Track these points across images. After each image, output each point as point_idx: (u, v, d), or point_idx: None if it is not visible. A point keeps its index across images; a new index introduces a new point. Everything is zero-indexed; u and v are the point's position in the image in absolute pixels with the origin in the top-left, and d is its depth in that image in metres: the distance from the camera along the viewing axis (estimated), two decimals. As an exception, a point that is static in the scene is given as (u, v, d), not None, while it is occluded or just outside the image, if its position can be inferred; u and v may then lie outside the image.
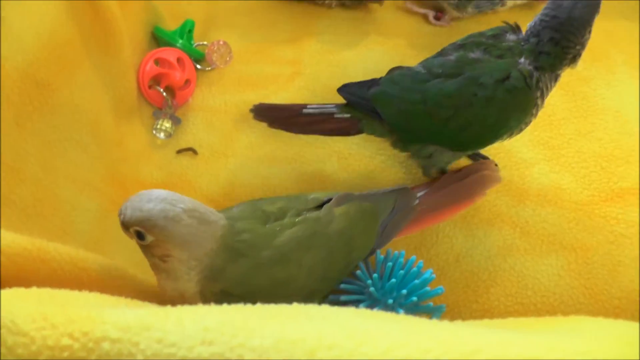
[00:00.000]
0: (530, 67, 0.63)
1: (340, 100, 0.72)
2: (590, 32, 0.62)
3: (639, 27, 0.90)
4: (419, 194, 0.68)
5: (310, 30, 0.91)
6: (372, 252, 0.63)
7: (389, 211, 0.64)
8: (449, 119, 0.65)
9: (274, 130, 0.77)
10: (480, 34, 0.67)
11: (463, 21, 0.92)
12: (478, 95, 0.63)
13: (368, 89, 0.68)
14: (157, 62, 0.83)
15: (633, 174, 0.77)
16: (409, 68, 0.69)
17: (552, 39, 0.62)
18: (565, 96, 0.84)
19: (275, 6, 0.95)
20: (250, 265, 0.53)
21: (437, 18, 0.92)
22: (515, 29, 0.67)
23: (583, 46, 0.63)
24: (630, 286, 0.70)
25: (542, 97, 0.65)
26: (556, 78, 0.65)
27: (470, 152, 0.74)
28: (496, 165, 0.73)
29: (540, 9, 0.65)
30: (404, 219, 0.65)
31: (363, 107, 0.69)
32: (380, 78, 0.69)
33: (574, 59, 0.64)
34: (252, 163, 0.78)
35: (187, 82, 0.84)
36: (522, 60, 0.63)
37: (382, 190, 0.66)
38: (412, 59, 0.86)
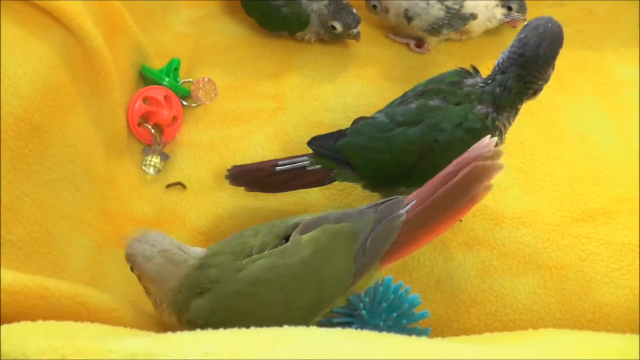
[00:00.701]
0: (486, 110, 0.67)
1: (321, 130, 0.76)
2: (553, 67, 0.67)
3: (602, 56, 0.96)
4: (407, 204, 0.59)
5: (291, 65, 0.95)
6: (361, 273, 0.60)
7: (370, 227, 0.59)
8: (414, 164, 0.68)
9: (253, 160, 0.81)
10: (440, 80, 0.70)
11: (438, 54, 0.97)
12: (439, 140, 0.66)
13: (336, 140, 0.71)
14: (145, 100, 0.86)
15: (601, 195, 0.81)
16: (372, 118, 0.71)
17: (518, 76, 0.66)
18: (536, 123, 0.88)
19: (258, 42, 0.99)
20: (212, 299, 0.56)
21: (417, 46, 0.97)
22: (474, 72, 0.71)
23: (546, 81, 0.67)
24: (602, 301, 0.74)
25: (502, 134, 0.69)
26: (516, 112, 0.69)
27: None
28: (496, 145, 0.61)
29: (508, 35, 0.69)
30: (388, 232, 0.58)
31: (333, 158, 0.71)
32: (346, 129, 0.72)
33: (535, 92, 0.68)
34: (239, 196, 0.81)
35: (175, 119, 0.87)
36: (478, 104, 0.67)
37: (364, 206, 0.62)
38: (389, 90, 0.91)
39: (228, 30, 1.01)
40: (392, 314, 0.61)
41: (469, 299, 0.74)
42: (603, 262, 0.76)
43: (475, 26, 0.95)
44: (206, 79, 0.91)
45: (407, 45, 0.98)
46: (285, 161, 0.73)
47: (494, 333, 0.66)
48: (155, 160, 0.84)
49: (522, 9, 0.99)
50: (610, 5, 1.05)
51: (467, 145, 0.63)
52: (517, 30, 0.67)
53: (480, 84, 0.68)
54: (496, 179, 0.57)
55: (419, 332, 0.65)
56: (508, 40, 0.68)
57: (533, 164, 0.84)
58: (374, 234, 0.59)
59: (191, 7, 1.06)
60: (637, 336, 0.50)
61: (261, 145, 0.86)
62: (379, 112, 0.72)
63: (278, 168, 0.73)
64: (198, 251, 0.60)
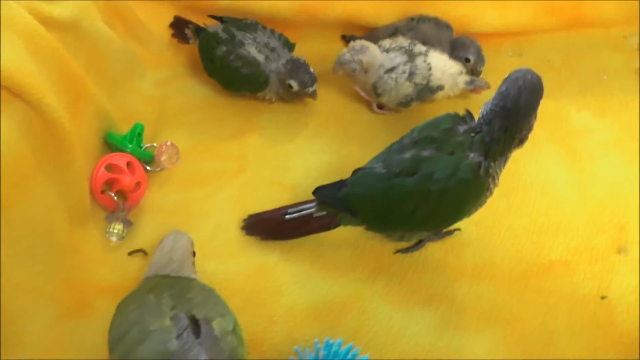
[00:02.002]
0: (480, 159, 0.68)
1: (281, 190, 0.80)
2: (536, 116, 0.68)
3: (560, 104, 0.98)
4: None
5: (253, 125, 0.97)
6: None
7: None
8: (411, 212, 0.71)
9: (217, 225, 0.83)
10: (434, 127, 0.72)
11: (399, 113, 0.98)
12: (433, 190, 0.68)
13: (338, 190, 0.74)
14: (109, 167, 0.88)
15: (561, 246, 0.82)
16: (370, 168, 0.74)
17: (502, 126, 0.67)
18: (495, 175, 0.89)
19: (221, 103, 1.01)
20: None
21: (379, 107, 0.99)
22: (467, 118, 0.72)
23: (530, 129, 0.69)
24: (564, 354, 0.73)
25: (494, 180, 0.71)
26: (506, 160, 0.71)
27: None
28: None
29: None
30: None
31: (336, 206, 0.75)
32: (347, 179, 0.75)
33: (521, 141, 0.70)
34: (200, 261, 0.82)
35: (138, 184, 0.89)
36: (471, 153, 0.69)
37: None
38: (350, 147, 0.93)
39: (193, 92, 1.04)
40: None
41: (427, 357, 0.73)
42: (564, 315, 0.76)
43: (440, 96, 0.96)
44: (169, 143, 0.92)
45: (370, 103, 0.99)
46: (294, 209, 0.78)
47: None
48: (118, 227, 0.85)
49: (480, 60, 1.01)
50: (566, 55, 1.07)
51: (459, 195, 0.69)
52: (481, 98, 0.68)
53: (472, 133, 0.70)
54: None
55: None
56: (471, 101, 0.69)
57: (493, 218, 0.84)
58: None
59: (157, 69, 1.08)
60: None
61: (222, 207, 0.87)
62: (376, 159, 0.75)
63: (287, 216, 0.78)
64: None
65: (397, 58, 0.94)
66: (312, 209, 0.77)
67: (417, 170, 0.69)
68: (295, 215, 0.78)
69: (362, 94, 1.00)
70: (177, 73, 1.07)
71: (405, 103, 0.95)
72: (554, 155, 0.91)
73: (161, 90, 1.05)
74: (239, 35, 0.96)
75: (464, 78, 0.95)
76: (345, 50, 0.96)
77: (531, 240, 0.82)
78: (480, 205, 0.73)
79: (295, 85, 0.94)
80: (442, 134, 0.71)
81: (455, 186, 0.68)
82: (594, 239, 0.82)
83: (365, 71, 0.95)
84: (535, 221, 0.84)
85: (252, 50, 0.95)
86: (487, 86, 0.96)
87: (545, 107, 0.97)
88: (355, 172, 0.76)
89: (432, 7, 1.06)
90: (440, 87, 0.94)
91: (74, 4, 0.89)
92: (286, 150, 0.93)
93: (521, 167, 0.90)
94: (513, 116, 0.66)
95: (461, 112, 0.73)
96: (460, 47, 1.01)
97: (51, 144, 0.78)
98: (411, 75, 0.93)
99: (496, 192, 0.86)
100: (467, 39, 1.01)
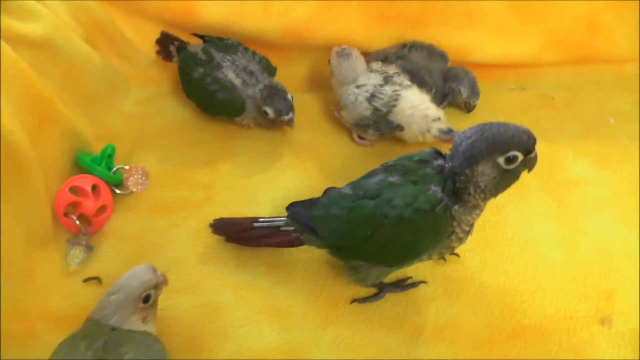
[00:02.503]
0: (441, 195, 0.64)
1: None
2: (484, 173, 0.61)
3: (557, 149, 0.90)
4: None
5: (227, 152, 0.94)
6: None
7: None
8: (368, 237, 0.68)
9: (175, 258, 0.80)
10: (410, 157, 0.69)
11: (380, 147, 0.93)
12: (389, 216, 0.65)
13: (308, 207, 0.73)
14: (74, 189, 0.86)
15: (537, 311, 0.74)
16: (340, 189, 0.73)
17: (452, 170, 0.63)
18: (474, 224, 0.83)
19: (199, 126, 0.98)
20: None
21: (360, 137, 0.94)
22: (442, 155, 0.68)
23: (477, 185, 0.62)
24: None
25: (460, 225, 0.66)
26: (472, 209, 0.65)
27: (395, 269, 0.75)
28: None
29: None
30: None
31: (303, 224, 0.73)
32: (319, 198, 0.74)
33: (480, 191, 0.63)
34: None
35: (103, 208, 0.86)
36: (433, 187, 0.65)
37: None
38: (322, 183, 0.88)
39: (173, 112, 1.01)
40: None
41: None
42: (531, 387, 0.69)
43: (407, 136, 0.90)
44: (139, 167, 0.90)
45: (351, 133, 0.94)
46: (266, 218, 0.76)
47: None
48: (77, 252, 0.83)
49: (474, 94, 0.94)
50: (572, 92, 0.98)
51: (415, 227, 0.65)
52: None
53: (442, 168, 0.66)
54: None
55: None
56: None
57: (464, 272, 0.78)
58: None
59: (143, 86, 1.06)
60: None
61: (183, 239, 0.83)
62: (351, 183, 0.73)
63: (256, 224, 0.76)
64: None
65: (372, 79, 0.90)
66: (281, 223, 0.76)
67: (379, 195, 0.67)
68: (264, 224, 0.76)
69: (343, 120, 0.95)
70: (162, 91, 1.05)
71: (362, 126, 0.90)
72: (542, 206, 0.84)
73: (143, 108, 1.03)
74: (218, 57, 0.93)
75: (439, 125, 0.87)
76: (342, 47, 0.93)
77: (504, 301, 0.75)
78: (446, 247, 0.68)
79: (270, 112, 0.89)
80: (413, 164, 0.68)
81: (410, 215, 0.65)
82: (575, 305, 0.75)
83: (331, 75, 0.93)
84: (512, 280, 0.77)
85: (230, 74, 0.92)
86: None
87: (540, 151, 0.90)
88: (326, 191, 0.75)
89: (429, 34, 1.00)
90: (400, 127, 0.89)
91: (47, 21, 0.88)
92: (257, 182, 0.89)
93: (503, 217, 0.83)
94: (456, 162, 0.63)
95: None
96: (454, 78, 0.95)
97: (7, 166, 0.77)
98: (372, 97, 0.88)
99: (471, 243, 0.80)
100: (461, 70, 0.95)
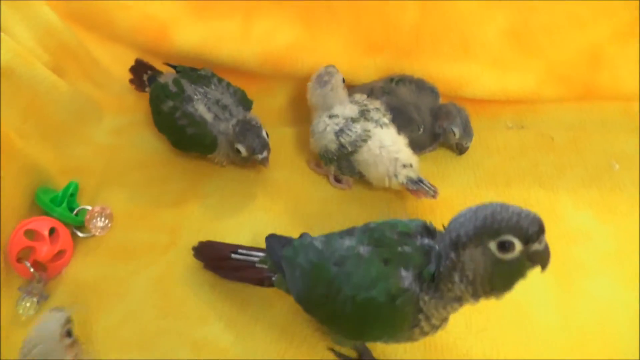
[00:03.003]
0: (409, 283, 0.55)
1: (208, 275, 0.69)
2: (472, 260, 0.51)
3: (556, 198, 0.82)
4: None
5: (197, 191, 0.87)
6: None
7: None
8: (322, 302, 0.62)
9: (131, 311, 0.74)
10: (393, 225, 0.61)
11: (359, 190, 0.85)
12: (342, 293, 0.59)
13: (283, 246, 0.68)
14: (29, 233, 0.79)
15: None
16: (313, 240, 0.66)
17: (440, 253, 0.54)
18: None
19: (171, 161, 0.92)
20: None
21: (337, 180, 0.87)
22: (431, 232, 0.59)
23: (463, 274, 0.52)
24: None
25: (428, 319, 0.57)
26: (450, 302, 0.55)
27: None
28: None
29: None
30: None
31: (276, 261, 0.68)
32: (294, 239, 0.68)
33: (460, 286, 0.53)
34: (106, 350, 0.72)
35: (62, 252, 0.81)
36: (403, 272, 0.56)
37: None
38: (295, 228, 0.81)
39: (145, 144, 0.95)
40: None
41: None
42: None
43: (372, 178, 0.82)
44: (101, 209, 0.84)
45: (327, 176, 0.87)
46: (244, 251, 0.72)
47: None
48: (29, 302, 0.77)
49: (467, 134, 0.87)
50: (574, 133, 0.90)
51: (366, 312, 0.57)
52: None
53: (425, 251, 0.57)
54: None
55: None
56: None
57: (446, 337, 0.70)
58: None
59: (117, 114, 1.00)
60: None
61: (142, 289, 0.77)
62: (326, 236, 0.66)
63: (233, 255, 0.72)
64: None
65: (348, 111, 0.83)
66: (257, 258, 0.71)
67: (343, 264, 0.60)
68: (240, 257, 0.72)
69: (317, 169, 0.88)
70: (136, 120, 0.98)
71: (325, 158, 0.84)
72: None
73: (115, 139, 0.97)
74: (189, 89, 0.86)
75: (408, 173, 0.79)
76: (327, 66, 0.87)
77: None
78: (403, 338, 0.59)
79: (243, 150, 0.83)
80: (393, 236, 0.59)
81: (363, 301, 0.57)
82: (567, 379, 0.67)
83: (308, 99, 0.87)
84: (500, 348, 0.69)
85: (201, 108, 0.85)
86: (433, 194, 0.78)
87: (537, 199, 0.83)
88: (302, 235, 0.69)
89: (420, 65, 0.93)
90: (360, 174, 0.82)
91: (7, 49, 0.83)
92: (226, 226, 0.82)
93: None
94: (446, 245, 0.53)
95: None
96: (445, 116, 0.87)
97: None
98: (340, 131, 0.81)
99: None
100: (453, 107, 0.87)
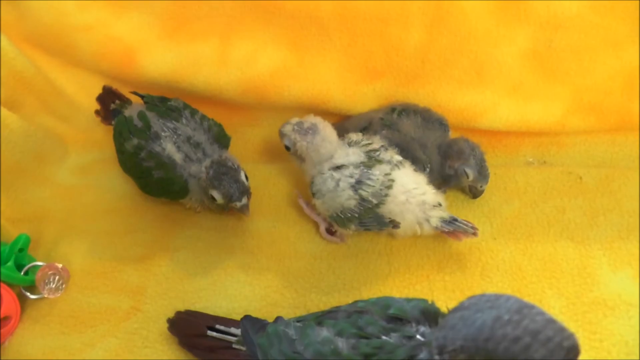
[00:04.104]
0: None
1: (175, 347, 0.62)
2: None
3: (587, 254, 0.69)
4: None
5: (167, 244, 0.75)
6: None
7: None
8: None
9: None
10: (385, 306, 0.52)
11: (356, 244, 0.73)
12: None
13: (258, 331, 0.60)
14: (-32, 295, 0.68)
15: None
16: (287, 327, 0.57)
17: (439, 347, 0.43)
18: None
19: (140, 206, 0.80)
20: None
21: (329, 231, 0.74)
22: (432, 316, 0.49)
23: None
24: None
25: None
26: None
27: None
28: None
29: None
30: None
31: (250, 348, 0.61)
32: (268, 324, 0.60)
33: None
34: None
35: (6, 319, 0.69)
36: None
37: None
38: (277, 292, 0.70)
39: (112, 186, 0.83)
40: None
41: None
42: None
43: (400, 231, 0.70)
44: (56, 267, 0.72)
45: (317, 225, 0.74)
46: (222, 327, 0.65)
47: None
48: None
49: (482, 176, 0.74)
50: (605, 171, 0.76)
51: None
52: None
53: (422, 348, 0.46)
54: None
55: None
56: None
57: None
58: None
59: (84, 150, 0.88)
60: None
61: (97, 368, 0.66)
62: (301, 322, 0.57)
63: (210, 332, 0.64)
64: None
65: (353, 156, 0.69)
66: (235, 338, 0.63)
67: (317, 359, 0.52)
68: (217, 335, 0.64)
69: (309, 212, 0.75)
70: (104, 157, 0.86)
71: (341, 220, 0.69)
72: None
73: (80, 179, 0.85)
74: (156, 124, 0.74)
75: (440, 214, 0.68)
76: (294, 119, 0.72)
77: None
78: None
79: (218, 197, 0.71)
80: (381, 323, 0.50)
81: None
82: None
83: (301, 159, 0.71)
84: None
85: (169, 147, 0.73)
86: (473, 232, 0.68)
87: (564, 256, 0.69)
88: (277, 319, 0.60)
89: (426, 93, 0.81)
90: (394, 224, 0.69)
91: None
92: (197, 287, 0.70)
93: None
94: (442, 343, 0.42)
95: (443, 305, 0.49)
96: (456, 155, 0.74)
97: None
98: (359, 183, 0.67)
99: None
100: (466, 144, 0.74)
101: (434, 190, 0.69)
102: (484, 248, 0.71)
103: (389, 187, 0.67)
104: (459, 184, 0.75)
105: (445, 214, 0.68)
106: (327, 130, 0.70)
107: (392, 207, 0.67)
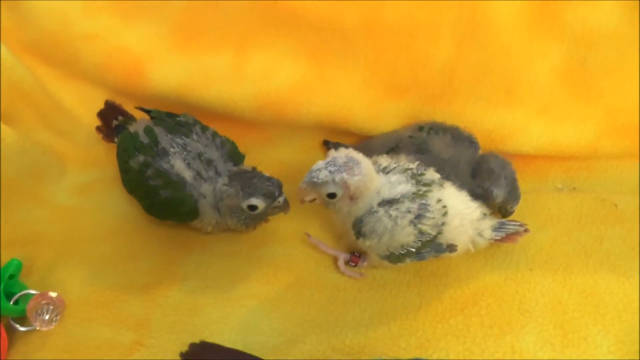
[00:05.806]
0: None
1: None
2: None
3: (628, 286, 0.64)
4: None
5: (174, 270, 0.70)
6: None
7: None
8: None
9: None
10: None
11: (382, 276, 0.67)
12: None
13: None
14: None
15: None
16: None
17: None
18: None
19: (144, 230, 0.75)
20: None
21: (350, 262, 0.68)
22: None
23: None
24: None
25: None
26: None
27: None
28: None
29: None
30: None
31: None
32: None
33: None
34: None
35: (-10, 355, 0.63)
36: None
37: None
38: (297, 326, 0.64)
39: (114, 207, 0.77)
40: None
41: None
42: None
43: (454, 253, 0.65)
44: (49, 297, 0.66)
45: (335, 259, 0.69)
46: None
47: None
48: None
49: (513, 197, 0.69)
50: (640, 199, 0.73)
51: None
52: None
53: None
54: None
55: None
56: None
57: None
58: None
59: (84, 168, 0.83)
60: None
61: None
62: None
63: None
64: None
65: (401, 185, 0.62)
66: None
67: None
68: None
69: (323, 247, 0.69)
70: (106, 176, 0.81)
71: (395, 257, 0.63)
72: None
73: (79, 199, 0.80)
74: (164, 140, 0.69)
75: (489, 223, 0.65)
76: (320, 163, 0.63)
77: None
78: None
79: (261, 202, 0.65)
80: None
81: None
82: None
83: (352, 198, 0.62)
84: None
85: (178, 164, 0.68)
86: (525, 230, 0.66)
87: (607, 288, 0.64)
88: None
89: (452, 112, 0.77)
90: (451, 248, 0.63)
91: None
92: (207, 320, 0.64)
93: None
94: None
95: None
96: (486, 174, 0.70)
97: None
98: (419, 217, 0.61)
99: None
100: (496, 161, 0.71)
101: (476, 203, 0.65)
102: (520, 279, 0.66)
103: (444, 214, 0.62)
104: (488, 204, 0.71)
105: (494, 221, 0.66)
106: (363, 161, 0.62)
107: (448, 234, 0.63)
